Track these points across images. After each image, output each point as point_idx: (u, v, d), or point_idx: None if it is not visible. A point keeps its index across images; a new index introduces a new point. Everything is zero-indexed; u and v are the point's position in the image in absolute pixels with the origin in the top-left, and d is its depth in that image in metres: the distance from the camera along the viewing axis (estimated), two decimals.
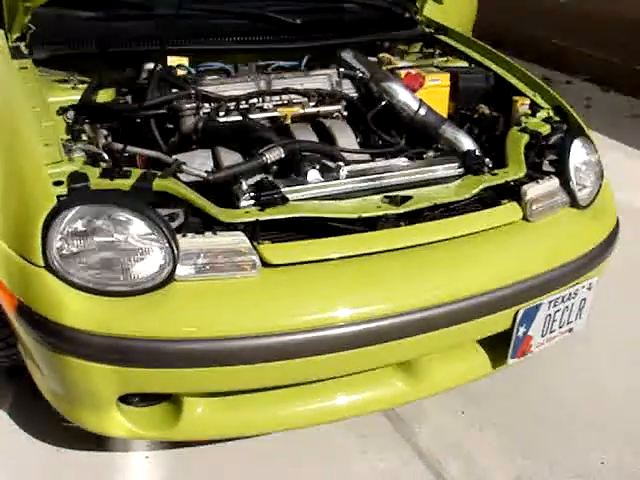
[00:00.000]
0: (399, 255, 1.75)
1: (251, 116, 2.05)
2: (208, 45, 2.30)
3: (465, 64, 2.63)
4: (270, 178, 1.80)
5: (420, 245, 1.77)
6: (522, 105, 2.36)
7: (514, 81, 2.48)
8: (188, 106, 1.95)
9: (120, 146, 1.79)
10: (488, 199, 1.97)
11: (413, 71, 2.36)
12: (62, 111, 2.03)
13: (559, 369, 2.44)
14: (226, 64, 2.28)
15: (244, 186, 1.74)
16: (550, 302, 1.94)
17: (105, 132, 1.84)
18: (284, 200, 1.72)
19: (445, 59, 2.67)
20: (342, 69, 2.29)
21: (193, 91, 2.00)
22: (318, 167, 1.86)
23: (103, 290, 1.57)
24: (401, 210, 1.79)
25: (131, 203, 1.60)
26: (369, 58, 2.55)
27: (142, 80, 2.18)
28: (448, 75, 2.38)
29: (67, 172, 1.69)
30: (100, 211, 1.59)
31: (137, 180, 1.68)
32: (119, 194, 1.65)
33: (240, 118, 2.03)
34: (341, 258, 1.69)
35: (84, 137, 1.89)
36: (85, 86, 2.11)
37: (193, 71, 2.17)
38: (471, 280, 1.79)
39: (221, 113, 2.04)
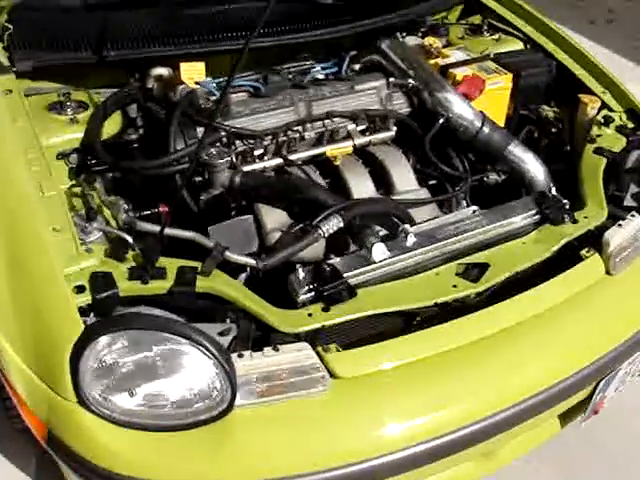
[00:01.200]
0: (484, 344, 1.52)
1: (294, 157, 1.73)
2: (227, 44, 1.89)
3: (518, 44, 2.26)
4: (330, 260, 1.52)
5: (504, 329, 1.55)
6: (592, 109, 2.05)
7: (579, 72, 2.14)
8: (222, 161, 1.61)
9: (146, 226, 1.48)
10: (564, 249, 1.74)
11: (469, 70, 2.00)
12: (62, 156, 1.69)
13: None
14: (252, 71, 1.90)
15: (301, 274, 1.47)
16: (630, 362, 1.77)
17: (125, 205, 1.51)
18: (352, 293, 1.46)
19: (497, 36, 2.30)
20: (392, 79, 1.92)
21: (224, 133, 1.65)
22: (381, 233, 1.58)
23: (148, 426, 1.34)
24: (480, 288, 1.55)
25: (177, 327, 1.33)
26: (411, 41, 2.17)
27: (154, 93, 1.84)
28: (510, 76, 2.03)
29: (88, 271, 1.40)
30: (140, 338, 1.32)
31: (176, 281, 1.40)
32: (157, 315, 1.37)
33: (279, 161, 1.70)
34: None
35: (96, 198, 1.56)
36: (86, 115, 1.75)
37: (216, 94, 1.79)
38: (562, 361, 1.59)
39: (257, 152, 1.71)
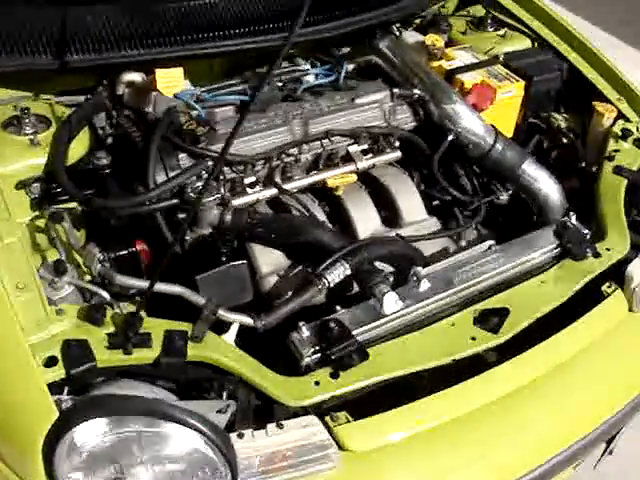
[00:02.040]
0: (502, 404, 1.38)
1: (290, 185, 1.53)
2: (212, 45, 1.65)
3: (525, 41, 2.07)
4: (337, 313, 1.34)
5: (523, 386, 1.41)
6: (608, 119, 1.88)
7: (592, 76, 1.97)
8: (210, 199, 1.40)
9: (127, 282, 1.28)
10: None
11: (478, 76, 1.80)
12: (22, 186, 1.46)
13: None
14: (235, 79, 1.67)
15: (304, 332, 1.29)
16: None
17: (99, 255, 1.29)
18: (363, 355, 1.30)
19: (502, 32, 2.09)
20: (396, 89, 1.71)
21: (209, 163, 1.44)
22: (391, 280, 1.41)
23: None
24: (502, 339, 1.40)
25: (166, 410, 1.14)
26: (411, 39, 1.96)
27: (125, 101, 1.61)
28: (522, 84, 1.83)
29: (59, 338, 1.20)
30: (122, 421, 1.14)
31: (163, 350, 1.21)
32: (142, 397, 1.17)
33: (274, 191, 1.50)
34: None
35: (64, 239, 1.35)
36: (48, 134, 1.52)
37: (200, 110, 1.56)
38: (582, 417, 1.47)
39: (247, 181, 1.50)
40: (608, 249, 1.61)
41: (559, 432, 1.44)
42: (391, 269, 1.48)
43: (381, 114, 1.67)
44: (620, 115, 1.89)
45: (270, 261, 1.43)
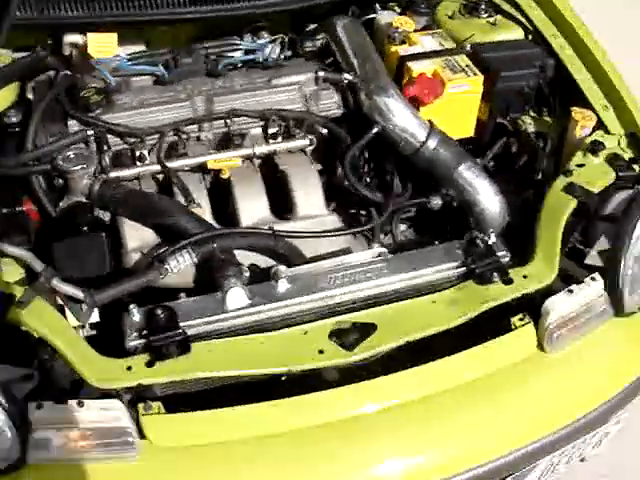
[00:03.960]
0: (350, 427, 1.25)
1: (174, 164, 1.46)
2: (159, 12, 1.60)
3: (518, 31, 1.83)
4: (176, 302, 1.27)
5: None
6: (583, 128, 1.64)
7: (580, 77, 1.71)
8: (77, 168, 1.36)
9: None
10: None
11: (432, 65, 1.62)
12: None
13: None
14: (164, 49, 1.61)
15: (135, 315, 1.24)
16: (561, 453, 1.46)
17: None
18: (184, 348, 1.23)
19: (493, 19, 1.87)
20: (322, 72, 1.58)
21: (90, 132, 1.40)
22: (247, 274, 1.31)
23: None
24: (353, 358, 1.26)
25: None
26: (383, 19, 1.79)
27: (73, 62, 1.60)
28: (481, 78, 1.63)
29: None
30: None
31: None
32: None
33: (156, 168, 1.44)
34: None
35: None
36: None
37: (110, 79, 1.53)
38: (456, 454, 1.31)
39: (139, 153, 1.45)
40: (526, 276, 1.41)
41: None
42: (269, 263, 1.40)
43: (300, 97, 1.54)
44: (600, 125, 1.64)
45: (138, 237, 1.38)
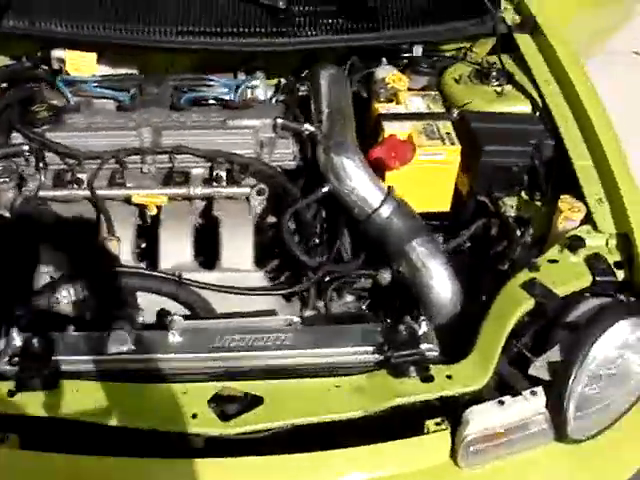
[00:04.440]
0: None
1: (105, 192, 1.41)
2: (132, 37, 1.60)
3: (525, 104, 1.67)
4: (67, 334, 1.22)
5: None
6: (567, 220, 1.45)
7: (580, 163, 1.53)
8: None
9: None
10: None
11: (409, 128, 1.50)
12: None
13: None
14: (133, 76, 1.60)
15: (15, 340, 1.18)
16: None
17: None
18: (50, 383, 1.15)
19: (500, 88, 1.72)
20: (280, 119, 1.49)
21: (26, 147, 1.39)
22: (141, 319, 1.23)
23: None
24: (226, 431, 1.14)
25: None
26: (381, 73, 1.69)
27: None
28: (458, 149, 1.48)
29: None
30: None
31: None
32: None
33: (87, 194, 1.40)
34: None
35: None
36: None
37: (69, 97, 1.52)
38: None
39: (80, 176, 1.41)
40: (450, 376, 1.24)
41: None
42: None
43: (254, 143, 1.46)
44: (587, 220, 1.45)
45: (50, 260, 1.34)
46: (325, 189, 1.42)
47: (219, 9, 1.70)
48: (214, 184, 1.41)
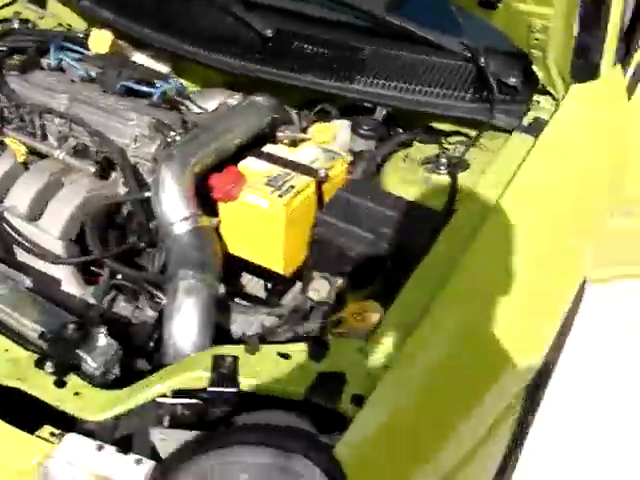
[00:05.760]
0: None
1: None
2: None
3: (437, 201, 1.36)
4: None
5: None
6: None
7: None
8: None
9: None
10: None
11: (257, 168, 1.38)
12: None
13: None
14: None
15: None
16: None
17: None
18: None
19: (430, 175, 1.44)
20: (154, 119, 1.51)
21: None
22: None
23: None
24: None
25: None
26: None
27: None
28: (283, 205, 1.30)
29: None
30: None
31: None
32: None
33: None
34: None
35: None
36: None
37: (52, 60, 1.74)
38: None
39: None
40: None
41: None
42: None
43: (129, 135, 1.50)
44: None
45: None
46: (146, 194, 1.41)
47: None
48: (71, 152, 1.51)
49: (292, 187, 1.35)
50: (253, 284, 1.53)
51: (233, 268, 1.49)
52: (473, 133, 1.60)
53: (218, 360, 1.11)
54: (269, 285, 1.51)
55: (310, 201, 1.39)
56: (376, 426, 1.05)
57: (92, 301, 1.42)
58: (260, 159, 1.44)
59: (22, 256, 1.47)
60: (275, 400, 1.09)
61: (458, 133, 1.66)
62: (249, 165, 1.42)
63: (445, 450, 1.13)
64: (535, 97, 1.61)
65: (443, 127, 1.67)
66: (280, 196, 1.33)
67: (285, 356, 1.13)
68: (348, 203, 1.35)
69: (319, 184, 1.40)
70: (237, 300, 1.48)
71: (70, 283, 1.45)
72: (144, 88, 1.64)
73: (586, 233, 1.51)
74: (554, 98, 1.61)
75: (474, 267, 1.23)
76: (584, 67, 1.66)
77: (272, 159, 1.43)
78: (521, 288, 1.25)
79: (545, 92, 1.62)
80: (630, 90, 1.75)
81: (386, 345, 1.12)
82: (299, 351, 1.13)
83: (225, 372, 1.10)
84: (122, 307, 1.44)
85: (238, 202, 1.37)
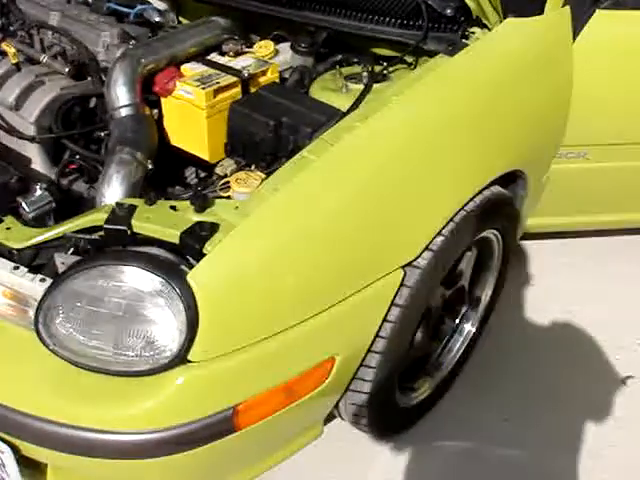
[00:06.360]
0: None
1: None
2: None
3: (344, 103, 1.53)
4: None
5: None
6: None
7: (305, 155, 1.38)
8: None
9: None
10: None
11: (194, 69, 1.60)
12: None
13: None
14: None
15: None
16: None
17: None
18: None
19: (349, 87, 1.60)
20: (118, 30, 1.76)
21: None
22: None
23: None
24: None
25: None
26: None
27: None
28: (203, 95, 1.50)
29: None
30: None
31: None
32: None
33: None
34: None
35: None
36: None
37: None
38: None
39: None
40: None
41: None
42: None
43: (101, 44, 1.76)
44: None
45: None
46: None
47: None
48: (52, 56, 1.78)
49: (217, 83, 1.56)
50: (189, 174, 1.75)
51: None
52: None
53: (118, 205, 1.34)
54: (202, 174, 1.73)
55: (235, 97, 1.59)
56: (228, 260, 1.25)
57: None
58: (199, 63, 1.66)
59: (5, 139, 1.76)
60: (160, 242, 1.31)
61: (402, 62, 1.82)
62: (189, 67, 1.65)
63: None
64: (472, 29, 1.76)
65: (386, 53, 1.83)
66: (203, 88, 1.54)
67: (174, 208, 1.34)
68: (259, 97, 1.55)
69: (245, 84, 1.61)
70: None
71: (37, 162, 1.72)
72: (125, 9, 1.91)
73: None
74: (490, 30, 1.74)
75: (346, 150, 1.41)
76: (523, 2, 1.80)
77: (210, 63, 1.65)
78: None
79: (484, 25, 1.76)
80: (576, 32, 1.84)
81: (257, 204, 1.32)
82: (187, 206, 1.35)
83: (121, 214, 1.33)
84: (79, 186, 1.70)
85: (173, 95, 1.59)
